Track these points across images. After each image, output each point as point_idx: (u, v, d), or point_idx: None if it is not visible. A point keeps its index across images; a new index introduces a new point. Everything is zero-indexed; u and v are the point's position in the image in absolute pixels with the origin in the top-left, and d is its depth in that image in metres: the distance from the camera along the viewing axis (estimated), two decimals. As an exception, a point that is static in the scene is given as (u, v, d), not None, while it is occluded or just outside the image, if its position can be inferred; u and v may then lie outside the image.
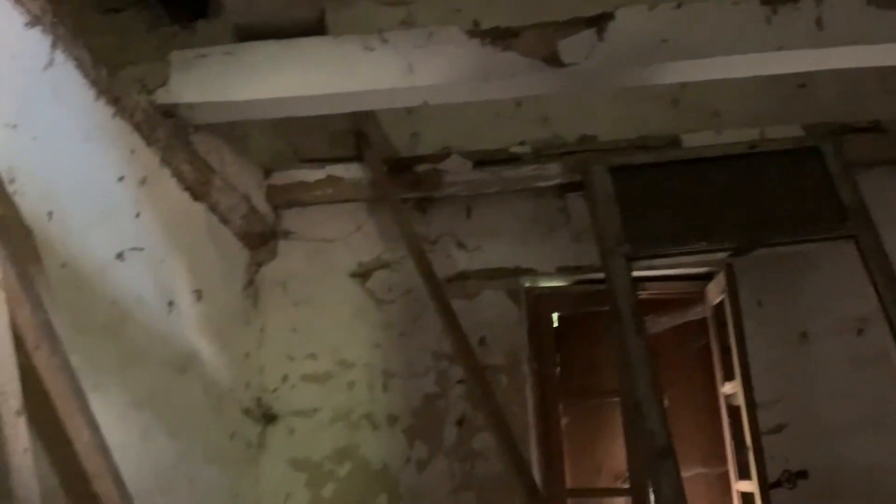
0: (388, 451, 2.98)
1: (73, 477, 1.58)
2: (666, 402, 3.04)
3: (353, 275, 3.19)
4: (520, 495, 2.56)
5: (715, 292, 3.13)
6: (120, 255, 2.16)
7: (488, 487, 2.88)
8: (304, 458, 2.99)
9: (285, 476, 2.98)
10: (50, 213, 1.82)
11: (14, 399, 1.28)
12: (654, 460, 2.29)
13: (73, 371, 1.63)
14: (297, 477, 2.97)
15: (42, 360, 1.48)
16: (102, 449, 1.65)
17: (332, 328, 3.13)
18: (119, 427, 1.97)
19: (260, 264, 3.21)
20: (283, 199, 3.20)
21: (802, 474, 2.76)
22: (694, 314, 3.40)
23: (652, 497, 2.64)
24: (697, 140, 2.95)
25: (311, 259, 3.22)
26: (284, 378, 3.10)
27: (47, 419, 1.52)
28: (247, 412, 2.97)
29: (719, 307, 3.10)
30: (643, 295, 3.07)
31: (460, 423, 2.97)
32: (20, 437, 1.26)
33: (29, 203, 1.74)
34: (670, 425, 2.27)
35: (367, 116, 3.00)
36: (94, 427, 1.63)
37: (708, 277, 3.17)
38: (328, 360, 3.10)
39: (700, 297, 3.30)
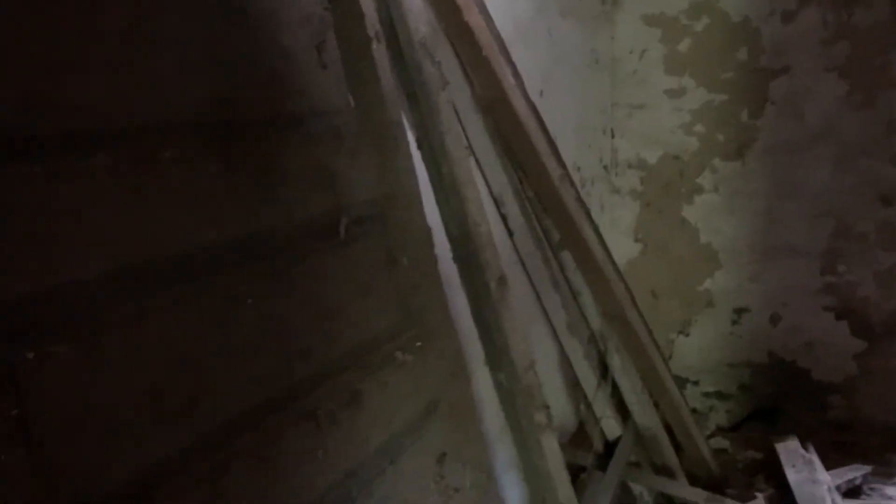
0: (750, 2, 2.76)
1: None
2: None
3: None
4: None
5: None
6: None
7: (867, 37, 2.58)
8: (658, 14, 2.93)
9: (639, 32, 2.98)
10: None
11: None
12: None
13: None
14: (652, 32, 2.96)
15: None
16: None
17: None
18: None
19: None
20: None
21: None
22: None
23: None
24: None
25: None
26: (638, -71, 2.92)
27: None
28: (599, -34, 2.92)
29: None
30: None
31: (841, -35, 2.59)
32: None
33: None
34: None
35: None
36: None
37: None
38: None
39: None
